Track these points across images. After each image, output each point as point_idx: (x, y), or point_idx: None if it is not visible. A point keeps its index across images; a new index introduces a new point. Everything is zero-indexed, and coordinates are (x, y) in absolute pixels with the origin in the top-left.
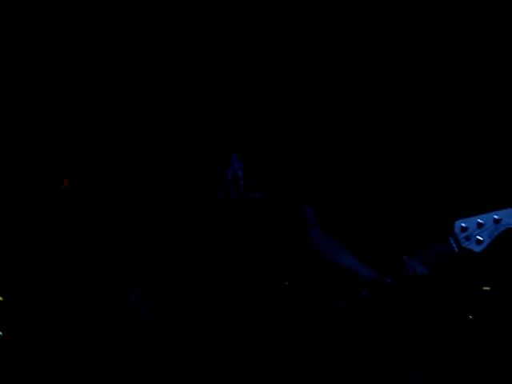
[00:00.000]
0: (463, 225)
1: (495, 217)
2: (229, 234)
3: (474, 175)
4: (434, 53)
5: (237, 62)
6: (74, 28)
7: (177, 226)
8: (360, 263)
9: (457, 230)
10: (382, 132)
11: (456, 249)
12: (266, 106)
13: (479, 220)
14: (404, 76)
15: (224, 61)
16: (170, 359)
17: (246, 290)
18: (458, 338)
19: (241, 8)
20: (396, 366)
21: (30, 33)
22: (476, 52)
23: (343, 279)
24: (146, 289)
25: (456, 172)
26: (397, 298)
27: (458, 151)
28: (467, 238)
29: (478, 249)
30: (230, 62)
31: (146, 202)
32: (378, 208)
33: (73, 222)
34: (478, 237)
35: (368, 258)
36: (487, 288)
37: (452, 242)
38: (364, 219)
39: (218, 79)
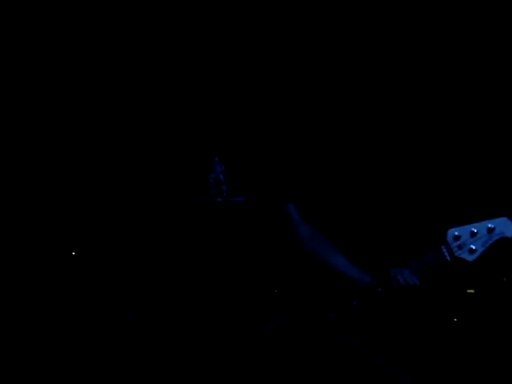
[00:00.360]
0: (456, 233)
1: (489, 226)
2: (213, 238)
3: (469, 183)
4: (433, 54)
5: (218, 68)
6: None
7: (160, 230)
8: (351, 265)
9: (449, 238)
10: (374, 134)
11: (448, 258)
12: (246, 109)
13: (472, 229)
14: (393, 74)
15: (205, 66)
16: (157, 362)
17: (232, 296)
18: (444, 341)
19: (220, 13)
20: (386, 369)
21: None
22: (476, 53)
23: (333, 284)
24: (132, 293)
25: (450, 180)
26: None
27: (453, 159)
28: (460, 247)
29: (470, 258)
30: (211, 67)
31: (129, 207)
32: (371, 212)
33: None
34: (471, 246)
35: (359, 260)
36: (471, 291)
37: (444, 250)
38: (356, 222)
39: (199, 84)
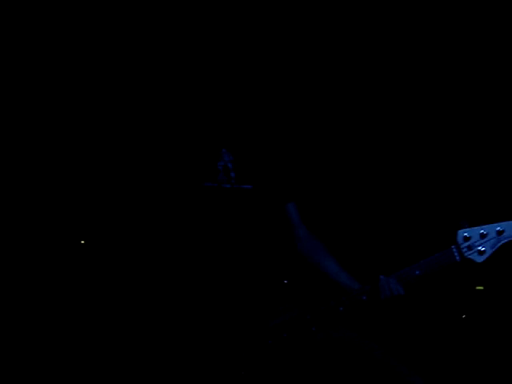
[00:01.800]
0: (466, 234)
1: (498, 228)
2: (220, 224)
3: (478, 185)
4: (432, 54)
5: (230, 61)
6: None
7: (169, 214)
8: (342, 271)
9: (459, 239)
10: (380, 134)
11: (458, 258)
12: (256, 104)
13: (482, 231)
14: (398, 76)
15: (217, 59)
16: (164, 355)
17: (241, 285)
18: (453, 338)
19: (227, 8)
20: (396, 368)
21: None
22: (476, 54)
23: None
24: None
25: (459, 182)
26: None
27: (459, 161)
28: (470, 248)
29: (479, 259)
30: (223, 60)
31: (142, 191)
32: (376, 215)
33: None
34: (481, 247)
35: (362, 266)
36: (480, 288)
37: (454, 250)
38: (362, 225)
39: (212, 78)
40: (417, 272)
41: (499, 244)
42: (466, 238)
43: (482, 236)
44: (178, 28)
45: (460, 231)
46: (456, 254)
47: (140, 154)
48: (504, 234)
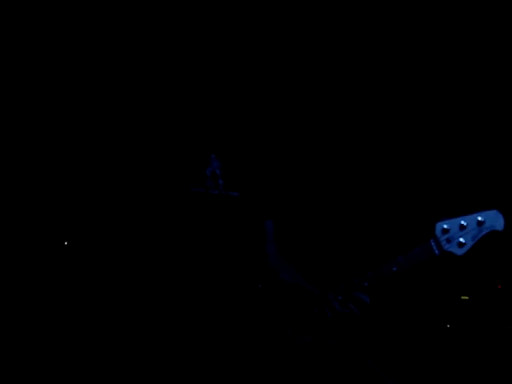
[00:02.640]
0: (445, 226)
1: (479, 218)
2: (206, 229)
3: (457, 175)
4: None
5: (219, 68)
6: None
7: (155, 217)
8: (306, 286)
9: (438, 231)
10: (358, 136)
11: (437, 251)
12: (246, 113)
13: (462, 222)
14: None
15: (206, 66)
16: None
17: (219, 288)
18: (437, 346)
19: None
20: (375, 372)
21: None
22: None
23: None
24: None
25: (438, 172)
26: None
27: (439, 149)
28: (449, 241)
29: (460, 252)
30: (212, 67)
31: (129, 193)
32: (356, 206)
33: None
34: (461, 239)
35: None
36: (466, 297)
37: (433, 244)
38: (341, 219)
39: (203, 85)
40: (394, 268)
41: (480, 235)
42: (445, 231)
43: (462, 227)
44: (154, 34)
45: (438, 223)
46: (435, 247)
47: (129, 157)
48: (485, 224)
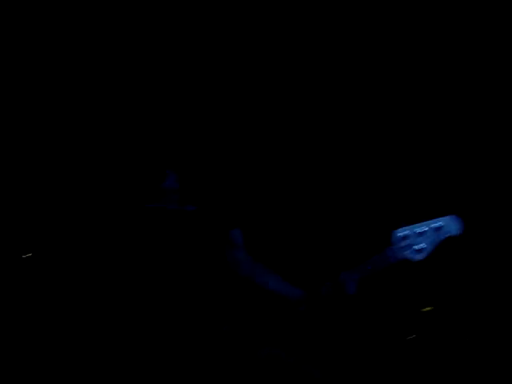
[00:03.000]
0: (402, 234)
1: (436, 224)
2: (162, 244)
3: (414, 182)
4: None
5: (177, 79)
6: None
7: (110, 234)
8: (283, 283)
9: (395, 239)
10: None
11: (392, 259)
12: (204, 124)
13: (418, 229)
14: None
15: (165, 77)
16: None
17: (174, 302)
18: (395, 358)
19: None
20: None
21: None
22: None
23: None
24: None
25: (394, 179)
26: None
27: (395, 154)
28: (406, 248)
29: (417, 257)
30: (171, 79)
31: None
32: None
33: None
34: (418, 246)
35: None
36: (428, 308)
37: (389, 252)
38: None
39: (160, 98)
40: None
41: (438, 241)
42: (402, 238)
43: (419, 234)
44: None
45: (395, 231)
46: (391, 255)
47: (83, 171)
48: (442, 229)
